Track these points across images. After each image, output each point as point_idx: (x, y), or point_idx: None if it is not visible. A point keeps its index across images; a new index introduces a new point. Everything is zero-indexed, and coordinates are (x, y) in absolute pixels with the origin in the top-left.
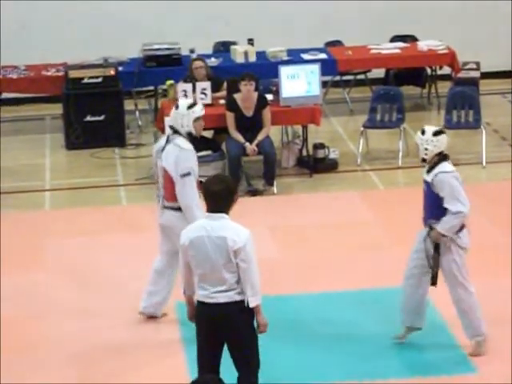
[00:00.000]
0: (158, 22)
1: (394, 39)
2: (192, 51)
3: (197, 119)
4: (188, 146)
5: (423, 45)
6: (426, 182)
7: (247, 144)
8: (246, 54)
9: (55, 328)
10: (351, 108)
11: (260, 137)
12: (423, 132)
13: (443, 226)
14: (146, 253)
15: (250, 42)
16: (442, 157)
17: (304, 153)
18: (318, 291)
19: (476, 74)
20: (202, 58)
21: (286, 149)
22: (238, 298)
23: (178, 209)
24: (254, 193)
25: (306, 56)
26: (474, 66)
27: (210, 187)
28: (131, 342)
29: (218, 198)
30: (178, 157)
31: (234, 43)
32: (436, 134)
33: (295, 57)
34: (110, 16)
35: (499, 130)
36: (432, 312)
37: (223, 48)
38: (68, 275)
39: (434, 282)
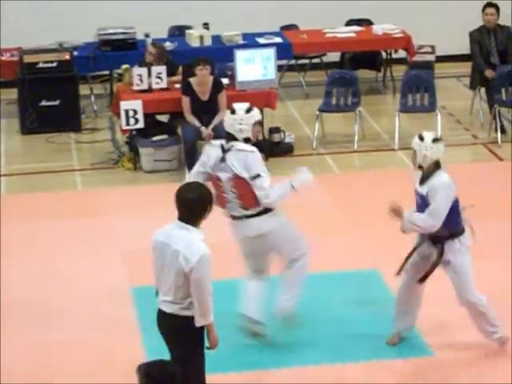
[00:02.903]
0: (112, 7)
1: (350, 23)
2: (147, 36)
3: (255, 123)
4: (251, 148)
5: (378, 28)
6: (419, 194)
7: (203, 128)
8: (201, 38)
9: (12, 316)
10: (306, 92)
11: (216, 121)
12: (421, 138)
13: (413, 220)
14: (102, 237)
15: (206, 26)
16: (437, 165)
17: (260, 137)
18: (277, 274)
19: (431, 58)
20: (159, 44)
21: None
22: (182, 313)
23: (263, 211)
24: None
25: (261, 40)
26: (429, 50)
27: (181, 193)
28: (88, 325)
29: (187, 206)
30: (246, 161)
31: (190, 27)
32: (435, 140)
33: (250, 41)
34: (64, 0)
35: (454, 114)
36: (389, 297)
37: (178, 32)
38: (24, 260)
39: (422, 280)
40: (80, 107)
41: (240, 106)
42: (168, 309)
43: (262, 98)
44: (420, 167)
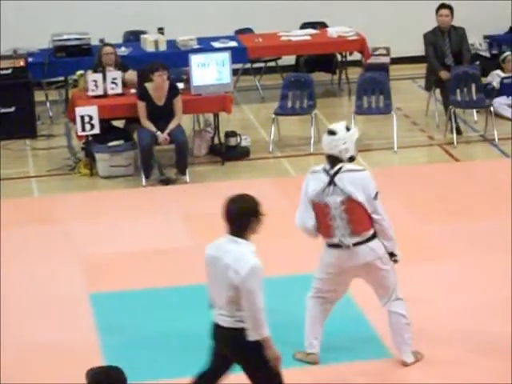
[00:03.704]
0: (67, 13)
1: (305, 26)
2: (102, 41)
3: (356, 140)
4: (360, 167)
5: (333, 31)
6: None
7: (159, 133)
8: (156, 43)
9: None
10: (262, 95)
11: (171, 125)
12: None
13: None
14: (60, 243)
15: (160, 30)
16: None
17: (216, 141)
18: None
19: (386, 60)
20: (112, 44)
21: (198, 137)
22: (238, 325)
23: (370, 238)
24: (166, 182)
25: (216, 44)
26: (384, 52)
27: (228, 206)
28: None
29: (233, 218)
30: (362, 180)
31: (144, 32)
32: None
33: (205, 45)
34: (19, 6)
35: (410, 115)
36: (347, 299)
37: (133, 37)
38: None
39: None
40: (35, 114)
41: (339, 126)
42: (224, 322)
43: (217, 102)
44: None
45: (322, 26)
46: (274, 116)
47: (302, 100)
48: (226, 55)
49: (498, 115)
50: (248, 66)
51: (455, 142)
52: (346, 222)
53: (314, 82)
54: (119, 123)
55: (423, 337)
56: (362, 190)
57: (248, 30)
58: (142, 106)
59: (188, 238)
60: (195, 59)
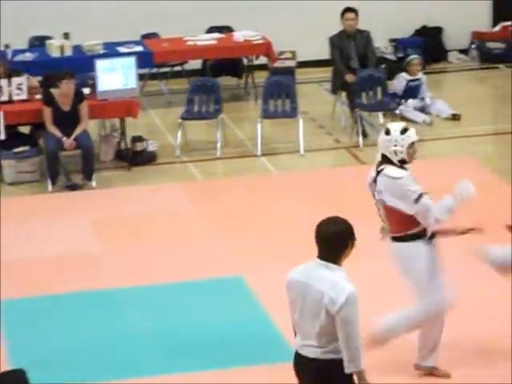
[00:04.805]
0: None
1: (211, 30)
2: (7, 46)
3: (411, 144)
4: (399, 173)
5: (239, 35)
6: None
7: (65, 138)
8: (61, 48)
9: None
10: (169, 100)
11: (77, 131)
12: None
13: None
14: None
15: (66, 36)
16: None
17: (122, 146)
18: (143, 284)
19: (292, 63)
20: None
21: (104, 142)
22: (326, 356)
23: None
24: (73, 187)
25: (122, 49)
26: (290, 56)
27: (320, 229)
28: None
29: (327, 242)
30: (394, 189)
31: (50, 38)
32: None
33: (111, 50)
34: None
35: (316, 119)
36: (253, 303)
37: (39, 43)
38: None
39: None
40: None
41: (395, 127)
42: (311, 354)
43: (123, 107)
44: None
45: (228, 30)
46: (180, 120)
47: (208, 104)
48: (132, 60)
49: (403, 118)
50: (154, 70)
51: (361, 145)
52: (385, 219)
53: (220, 86)
54: (25, 129)
55: None
56: (398, 198)
57: (154, 35)
58: (47, 112)
59: (97, 243)
60: (101, 64)
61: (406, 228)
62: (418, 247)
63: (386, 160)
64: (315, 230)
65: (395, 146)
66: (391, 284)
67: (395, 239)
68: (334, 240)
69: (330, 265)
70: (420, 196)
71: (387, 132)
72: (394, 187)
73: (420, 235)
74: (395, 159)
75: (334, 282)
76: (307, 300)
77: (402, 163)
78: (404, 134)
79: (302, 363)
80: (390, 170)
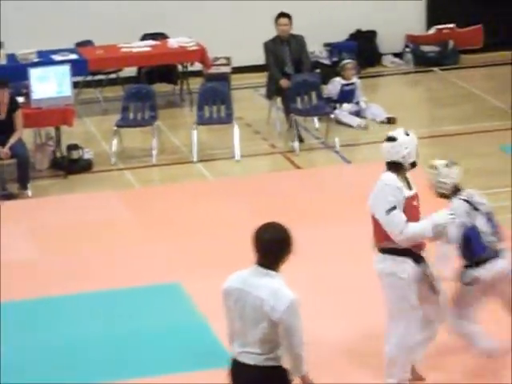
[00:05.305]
0: None
1: (145, 37)
2: None
3: (416, 146)
4: (390, 178)
5: (174, 42)
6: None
7: None
8: None
9: None
10: (104, 107)
11: (12, 140)
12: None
13: None
14: None
15: (0, 44)
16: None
17: (58, 154)
18: (80, 291)
19: (227, 69)
20: None
21: (40, 151)
22: (267, 363)
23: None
24: (8, 197)
25: (56, 57)
26: (225, 62)
27: (259, 235)
28: None
29: (267, 249)
30: (377, 191)
31: None
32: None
33: (46, 58)
34: None
35: (252, 124)
36: (191, 309)
37: None
38: None
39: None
40: None
41: (398, 133)
42: (252, 360)
43: (58, 115)
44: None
45: (162, 36)
46: (115, 128)
47: (143, 111)
48: (66, 68)
49: (338, 122)
50: (89, 78)
51: (297, 150)
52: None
53: (155, 93)
54: None
55: None
56: (374, 200)
57: (88, 43)
58: None
59: (33, 251)
60: (34, 73)
61: (387, 239)
62: (403, 265)
63: (399, 167)
64: (253, 237)
65: (406, 148)
66: (331, 287)
67: (381, 250)
68: (274, 247)
69: (269, 272)
70: (393, 208)
71: (393, 139)
72: (378, 189)
73: (407, 253)
74: (408, 162)
75: (275, 289)
76: (247, 307)
77: (412, 166)
78: (409, 136)
79: (240, 370)
80: (386, 174)
